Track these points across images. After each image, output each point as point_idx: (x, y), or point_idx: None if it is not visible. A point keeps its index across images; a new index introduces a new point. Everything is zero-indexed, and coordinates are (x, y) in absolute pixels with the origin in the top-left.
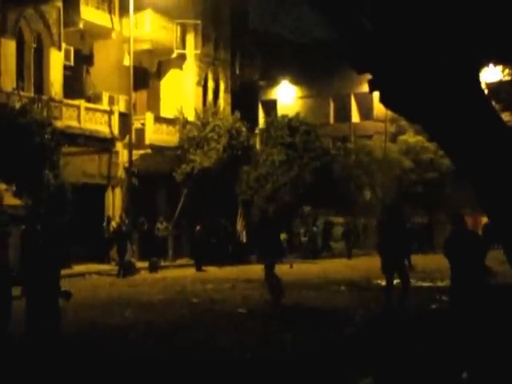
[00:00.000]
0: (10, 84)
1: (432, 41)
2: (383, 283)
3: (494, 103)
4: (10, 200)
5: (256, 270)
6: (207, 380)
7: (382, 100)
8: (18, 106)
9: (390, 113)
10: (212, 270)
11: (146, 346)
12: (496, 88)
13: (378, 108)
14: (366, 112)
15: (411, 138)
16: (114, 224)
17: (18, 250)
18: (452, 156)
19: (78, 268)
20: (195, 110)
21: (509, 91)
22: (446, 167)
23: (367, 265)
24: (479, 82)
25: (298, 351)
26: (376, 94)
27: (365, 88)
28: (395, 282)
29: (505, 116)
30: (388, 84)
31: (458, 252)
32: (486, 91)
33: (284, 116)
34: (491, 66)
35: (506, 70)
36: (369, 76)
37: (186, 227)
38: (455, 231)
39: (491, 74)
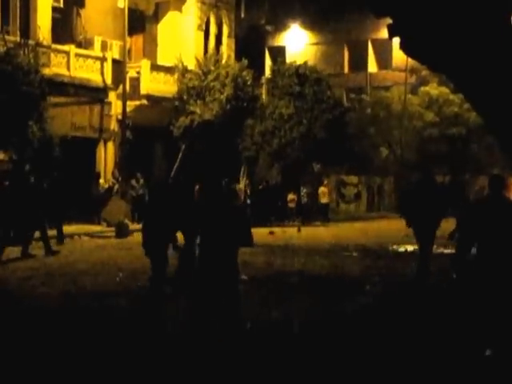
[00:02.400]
0: None
1: None
2: (399, 249)
3: None
4: None
5: (258, 233)
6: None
7: (403, 47)
8: (1, 51)
9: (410, 61)
10: None
11: (134, 314)
12: None
13: (398, 56)
14: (384, 61)
15: (434, 89)
16: (102, 181)
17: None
18: (479, 109)
19: (67, 229)
20: (196, 58)
21: None
22: (473, 122)
23: (381, 229)
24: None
25: (301, 321)
26: (396, 41)
27: (383, 34)
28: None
29: None
30: (410, 29)
31: (488, 220)
32: None
33: (291, 63)
34: None
35: None
36: (388, 20)
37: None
38: (490, 196)
39: None
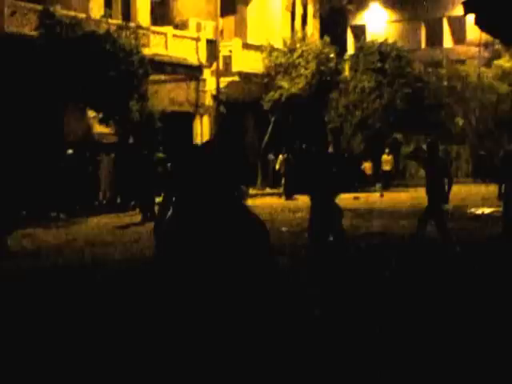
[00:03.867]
0: (98, 11)
1: None
2: (477, 212)
3: None
4: (99, 128)
5: (344, 198)
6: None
7: (477, 22)
8: (106, 33)
9: (484, 36)
10: (302, 199)
11: None
12: None
13: (472, 32)
14: (459, 36)
15: (507, 62)
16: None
17: (108, 177)
18: None
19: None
20: (282, 37)
21: None
22: None
23: (459, 193)
24: None
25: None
26: (470, 17)
27: (458, 11)
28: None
29: None
30: (484, 5)
31: None
32: None
33: (374, 41)
34: None
35: None
36: None
37: (275, 155)
38: None
39: None
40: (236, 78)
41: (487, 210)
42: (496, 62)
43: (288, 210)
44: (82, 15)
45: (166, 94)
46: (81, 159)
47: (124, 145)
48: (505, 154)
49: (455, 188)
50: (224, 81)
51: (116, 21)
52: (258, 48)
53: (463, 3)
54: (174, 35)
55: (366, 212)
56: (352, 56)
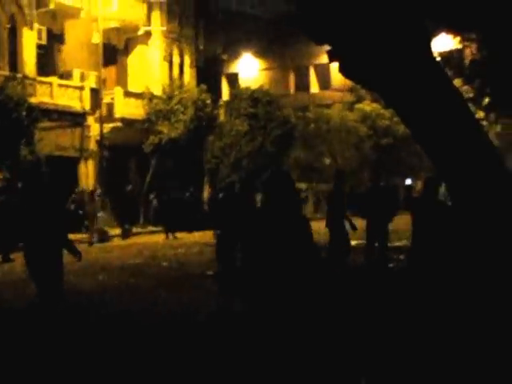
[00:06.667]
0: None
1: (386, 10)
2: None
3: (446, 70)
4: None
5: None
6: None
7: (341, 69)
8: None
9: (347, 82)
10: (182, 236)
11: (119, 306)
12: (448, 55)
13: (336, 78)
14: (325, 82)
15: (367, 106)
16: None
17: None
18: (407, 122)
19: None
20: (162, 85)
21: (460, 58)
22: (401, 133)
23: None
24: (431, 50)
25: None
26: (334, 65)
27: (323, 59)
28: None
29: (456, 82)
30: (346, 54)
31: (425, 216)
32: (438, 59)
33: (247, 88)
34: (443, 34)
35: (457, 38)
36: (327, 48)
37: (155, 196)
38: (425, 195)
39: (443, 43)
40: (119, 124)
41: (353, 242)
42: (357, 106)
43: (169, 247)
44: None
45: (53, 140)
46: None
47: (12, 188)
48: (366, 191)
49: (322, 223)
50: (107, 127)
51: (4, 72)
52: (138, 95)
53: (328, 52)
54: (59, 84)
55: None
56: (227, 102)
